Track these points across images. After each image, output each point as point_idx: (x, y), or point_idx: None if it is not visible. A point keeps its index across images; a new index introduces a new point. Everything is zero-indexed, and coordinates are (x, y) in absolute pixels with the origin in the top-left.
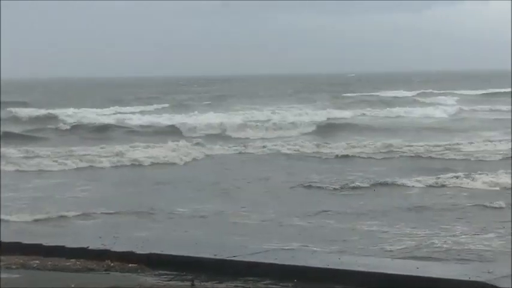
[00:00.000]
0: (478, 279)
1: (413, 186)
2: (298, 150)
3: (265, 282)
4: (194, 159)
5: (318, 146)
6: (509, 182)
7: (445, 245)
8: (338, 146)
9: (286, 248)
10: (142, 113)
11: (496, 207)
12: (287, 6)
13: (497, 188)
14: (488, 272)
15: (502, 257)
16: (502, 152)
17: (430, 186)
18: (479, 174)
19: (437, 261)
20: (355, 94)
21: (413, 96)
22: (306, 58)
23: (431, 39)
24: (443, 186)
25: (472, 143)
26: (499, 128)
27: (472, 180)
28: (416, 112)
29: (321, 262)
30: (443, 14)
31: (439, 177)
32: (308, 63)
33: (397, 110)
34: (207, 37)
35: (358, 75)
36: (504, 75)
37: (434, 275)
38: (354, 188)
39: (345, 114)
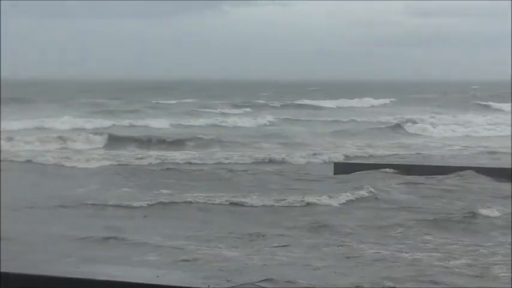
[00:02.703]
0: (217, 286)
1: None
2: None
3: None
4: None
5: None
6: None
7: (207, 258)
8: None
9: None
10: None
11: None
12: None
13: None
14: (227, 281)
15: (256, 268)
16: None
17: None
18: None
19: (184, 271)
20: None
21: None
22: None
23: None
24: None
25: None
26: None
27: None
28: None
29: (57, 271)
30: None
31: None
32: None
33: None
34: None
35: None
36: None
37: (172, 284)
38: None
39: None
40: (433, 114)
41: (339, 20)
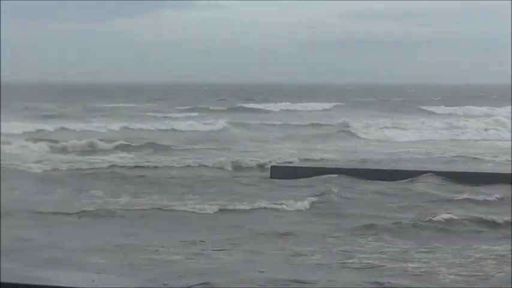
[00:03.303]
0: None
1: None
2: None
3: None
4: None
5: None
6: None
7: (146, 262)
8: None
9: None
10: None
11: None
12: None
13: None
14: (164, 284)
15: (194, 272)
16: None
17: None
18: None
19: (118, 275)
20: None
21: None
22: None
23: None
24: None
25: None
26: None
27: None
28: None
29: (14, 278)
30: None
31: None
32: None
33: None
34: None
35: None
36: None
37: (107, 287)
38: None
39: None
40: (378, 119)
41: (279, 23)
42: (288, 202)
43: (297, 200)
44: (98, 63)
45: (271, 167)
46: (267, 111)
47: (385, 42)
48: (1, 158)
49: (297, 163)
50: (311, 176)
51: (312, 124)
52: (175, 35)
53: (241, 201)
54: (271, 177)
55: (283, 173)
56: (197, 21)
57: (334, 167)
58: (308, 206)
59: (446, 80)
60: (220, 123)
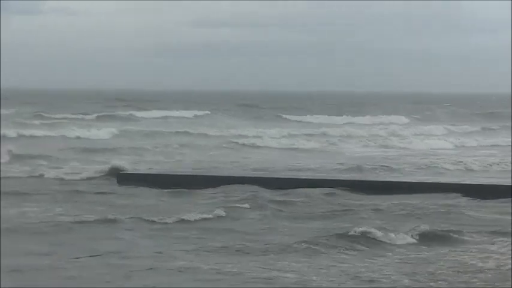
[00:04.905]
0: None
1: None
2: None
3: None
4: None
5: None
6: None
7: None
8: None
9: None
10: None
11: None
12: None
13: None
14: None
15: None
16: None
17: None
18: None
19: None
20: None
21: None
22: None
23: None
24: None
25: None
26: None
27: None
28: None
29: None
30: None
31: None
32: None
33: None
34: None
35: None
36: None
37: None
38: None
39: None
40: (260, 129)
41: (126, 30)
42: (136, 213)
43: (139, 209)
44: None
45: (118, 174)
46: (139, 119)
47: (242, 48)
48: None
49: (145, 170)
50: (166, 184)
51: (181, 132)
52: (18, 38)
53: (86, 210)
54: (118, 184)
55: (133, 180)
56: (41, 25)
57: (187, 174)
58: (153, 218)
59: (330, 88)
60: (88, 131)
